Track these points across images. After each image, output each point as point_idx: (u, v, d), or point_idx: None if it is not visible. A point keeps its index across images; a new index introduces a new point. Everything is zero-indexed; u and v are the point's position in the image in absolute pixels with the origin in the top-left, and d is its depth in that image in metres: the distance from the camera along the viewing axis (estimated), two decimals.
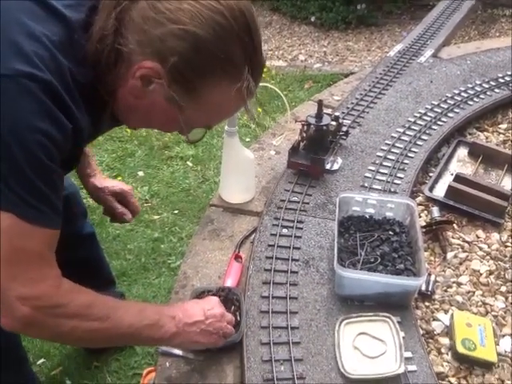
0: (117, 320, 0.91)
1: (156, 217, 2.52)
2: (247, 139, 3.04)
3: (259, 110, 3.31)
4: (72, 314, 0.87)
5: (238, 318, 1.11)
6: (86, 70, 0.83)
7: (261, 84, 1.51)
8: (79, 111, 0.82)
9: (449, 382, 1.09)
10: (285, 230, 1.35)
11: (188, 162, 2.95)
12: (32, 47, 0.76)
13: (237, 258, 1.29)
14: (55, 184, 0.82)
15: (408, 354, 1.06)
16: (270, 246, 1.30)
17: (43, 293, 0.83)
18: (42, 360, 1.86)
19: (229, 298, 1.14)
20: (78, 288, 0.90)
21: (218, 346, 1.05)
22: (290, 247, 1.30)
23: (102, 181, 1.38)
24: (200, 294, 1.16)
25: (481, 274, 1.33)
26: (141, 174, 2.86)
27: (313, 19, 5.21)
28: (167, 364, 1.07)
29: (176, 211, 2.60)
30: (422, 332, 1.16)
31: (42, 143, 0.76)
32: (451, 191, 1.51)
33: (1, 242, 0.78)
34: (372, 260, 1.22)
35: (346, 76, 2.68)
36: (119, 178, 2.73)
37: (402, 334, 1.09)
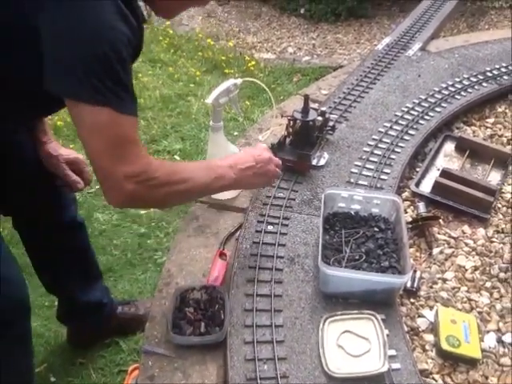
0: (195, 180, 1.10)
1: (142, 212, 2.50)
2: (235, 133, 3.02)
3: (247, 103, 3.29)
4: (163, 183, 1.04)
5: (222, 316, 1.10)
6: None
7: (249, 79, 1.51)
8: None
9: (433, 378, 1.09)
10: (270, 227, 1.34)
11: (175, 156, 2.93)
12: None
13: (221, 255, 1.28)
14: (131, 77, 0.97)
15: (392, 352, 1.06)
16: (254, 242, 1.29)
17: (141, 169, 0.99)
18: None
19: (213, 297, 1.13)
20: (160, 161, 1.18)
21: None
22: (275, 244, 1.29)
23: (57, 148, 1.43)
24: (184, 292, 1.15)
25: (466, 270, 1.33)
26: None
27: (302, 11, 5.19)
28: (150, 363, 1.06)
29: None
30: (406, 329, 1.16)
31: (123, 41, 0.90)
32: (437, 186, 1.51)
33: (103, 133, 0.94)
34: (357, 257, 1.22)
35: (335, 69, 2.66)
36: None
37: (386, 331, 1.09)
